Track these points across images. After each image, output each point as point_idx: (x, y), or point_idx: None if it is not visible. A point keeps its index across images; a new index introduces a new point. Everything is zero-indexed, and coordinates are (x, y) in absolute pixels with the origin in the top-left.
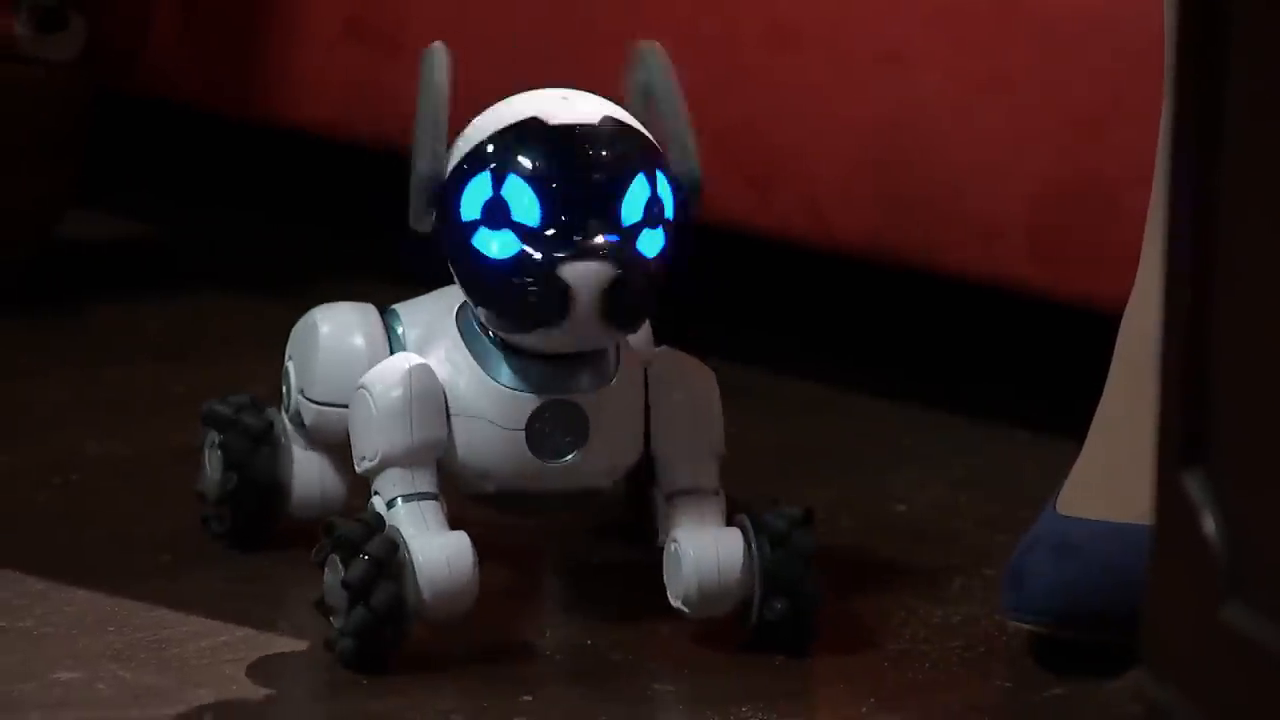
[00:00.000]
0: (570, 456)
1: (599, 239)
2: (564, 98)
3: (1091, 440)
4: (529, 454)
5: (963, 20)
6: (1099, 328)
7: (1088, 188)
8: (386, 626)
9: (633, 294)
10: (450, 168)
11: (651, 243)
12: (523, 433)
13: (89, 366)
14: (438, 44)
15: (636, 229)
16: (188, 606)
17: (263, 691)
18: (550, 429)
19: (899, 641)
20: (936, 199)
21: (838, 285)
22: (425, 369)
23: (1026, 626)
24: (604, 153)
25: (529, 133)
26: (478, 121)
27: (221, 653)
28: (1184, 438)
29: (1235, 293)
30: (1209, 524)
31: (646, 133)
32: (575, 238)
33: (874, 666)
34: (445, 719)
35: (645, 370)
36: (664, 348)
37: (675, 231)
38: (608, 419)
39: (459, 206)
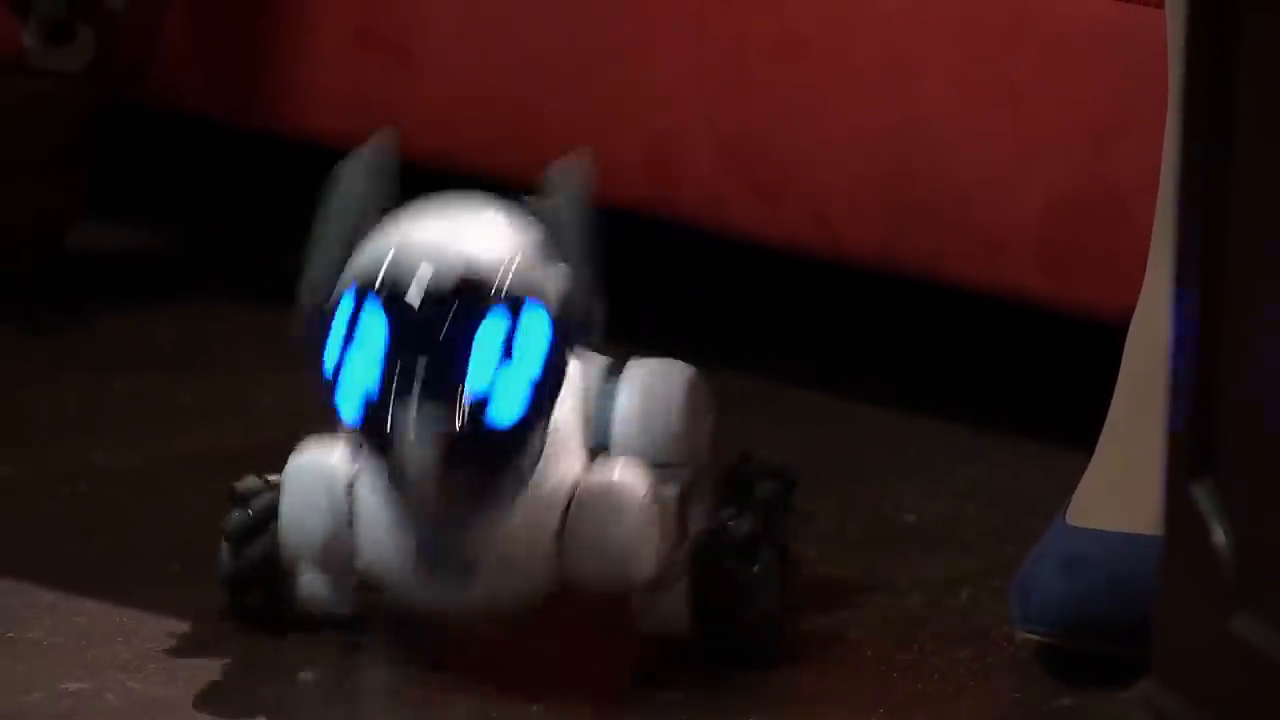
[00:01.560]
0: (463, 587)
1: (437, 416)
2: (428, 256)
3: (1101, 450)
4: (423, 576)
5: (971, 30)
6: (1107, 338)
7: (1096, 199)
8: (257, 580)
9: (472, 475)
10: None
11: (508, 407)
12: (413, 555)
13: (98, 375)
14: (365, 149)
15: (485, 400)
16: (197, 617)
17: (273, 702)
18: (440, 559)
19: (908, 652)
20: (944, 209)
21: (845, 295)
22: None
23: (1035, 637)
24: (446, 330)
25: (377, 300)
26: (360, 255)
27: (231, 664)
28: (1193, 448)
29: (1244, 303)
30: (1218, 534)
31: (519, 279)
32: (408, 420)
33: (883, 677)
34: None
35: (573, 491)
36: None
37: (546, 378)
38: (505, 551)
39: (324, 350)
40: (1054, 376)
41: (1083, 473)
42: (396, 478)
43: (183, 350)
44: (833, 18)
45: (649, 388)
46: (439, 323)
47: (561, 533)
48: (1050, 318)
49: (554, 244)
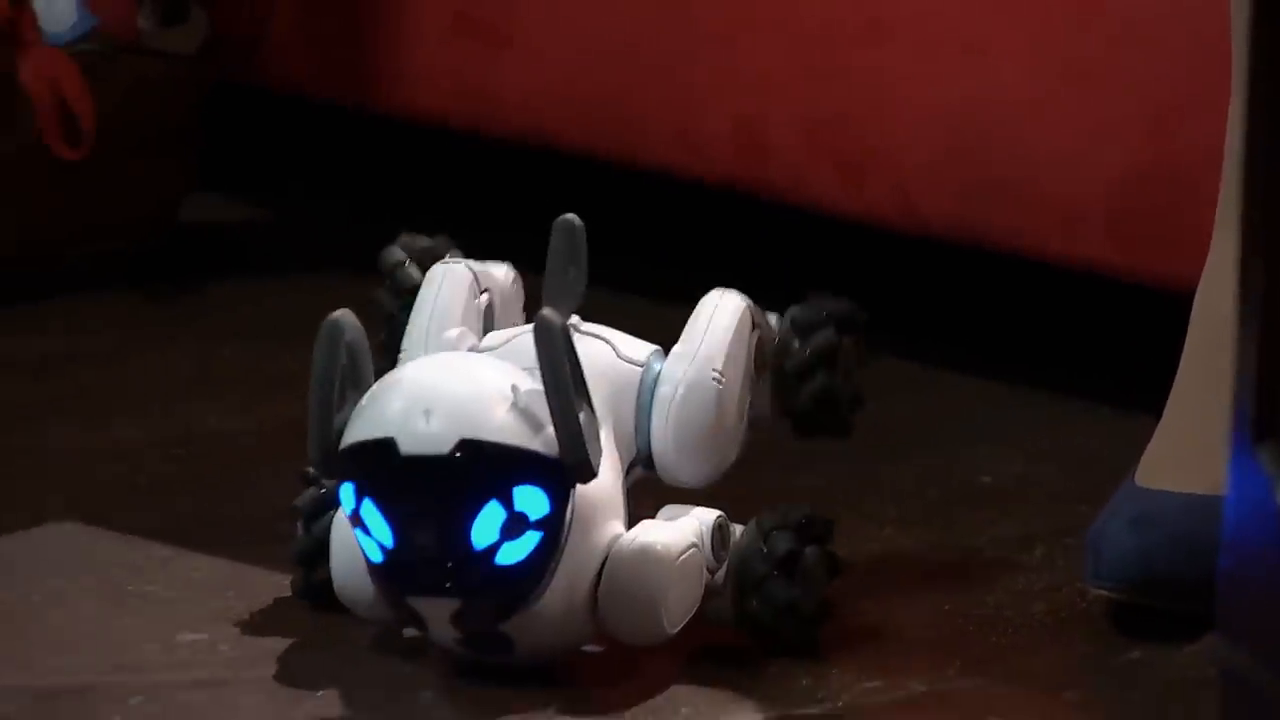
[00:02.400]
0: (503, 656)
1: (447, 567)
2: (426, 413)
3: (1168, 415)
4: (462, 649)
5: (1043, 14)
6: (1174, 308)
7: (1163, 173)
8: (325, 557)
9: (488, 614)
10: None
11: (515, 550)
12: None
13: (210, 343)
14: (336, 316)
15: (493, 547)
16: None
17: (379, 648)
18: (475, 647)
19: (983, 607)
20: (1018, 184)
21: (923, 267)
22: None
23: (1105, 593)
24: (450, 486)
25: (381, 457)
26: (366, 399)
27: (339, 615)
28: (1258, 413)
29: None
30: None
31: (513, 442)
32: (422, 568)
33: (960, 631)
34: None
35: (607, 552)
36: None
37: (552, 522)
38: (540, 624)
39: (339, 496)
40: (1123, 344)
41: (1151, 436)
42: (418, 624)
43: (290, 319)
44: (912, 4)
45: (682, 419)
46: (446, 482)
47: (596, 592)
48: (1120, 287)
49: (548, 386)
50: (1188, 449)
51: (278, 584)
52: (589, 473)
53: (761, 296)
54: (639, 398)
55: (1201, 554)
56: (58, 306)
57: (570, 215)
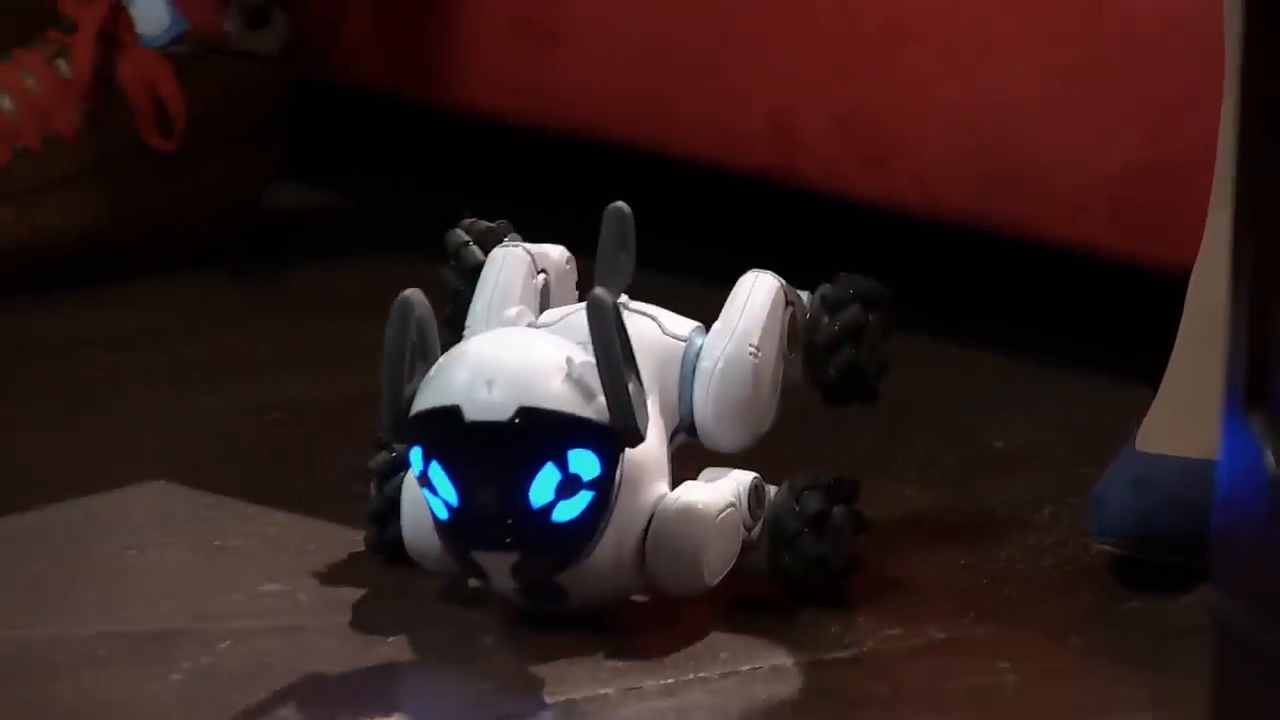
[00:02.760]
0: (557, 606)
1: (507, 523)
2: (489, 383)
3: (1166, 386)
4: (519, 598)
5: (1053, 17)
6: (1171, 288)
7: (1163, 165)
8: (397, 515)
9: (544, 566)
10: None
11: (570, 508)
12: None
13: (291, 320)
14: (406, 295)
15: (550, 506)
16: None
17: (444, 599)
18: (532, 597)
19: (996, 561)
20: (1030, 175)
21: (943, 251)
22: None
23: (1108, 549)
24: (510, 450)
25: (448, 424)
26: (433, 370)
27: (409, 568)
28: (1248, 383)
29: None
30: (1269, 459)
31: (567, 410)
32: (484, 525)
33: (975, 583)
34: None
35: (653, 511)
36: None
37: (603, 483)
38: (592, 576)
39: (409, 459)
40: (1124, 322)
41: (1149, 405)
42: (477, 576)
43: (365, 297)
44: (931, 7)
45: (721, 390)
46: (507, 446)
47: (643, 547)
48: (1121, 270)
49: (600, 359)
50: (1183, 416)
51: (352, 539)
52: (637, 438)
53: (793, 277)
54: (682, 370)
55: (1196, 513)
56: (151, 286)
57: (620, 203)
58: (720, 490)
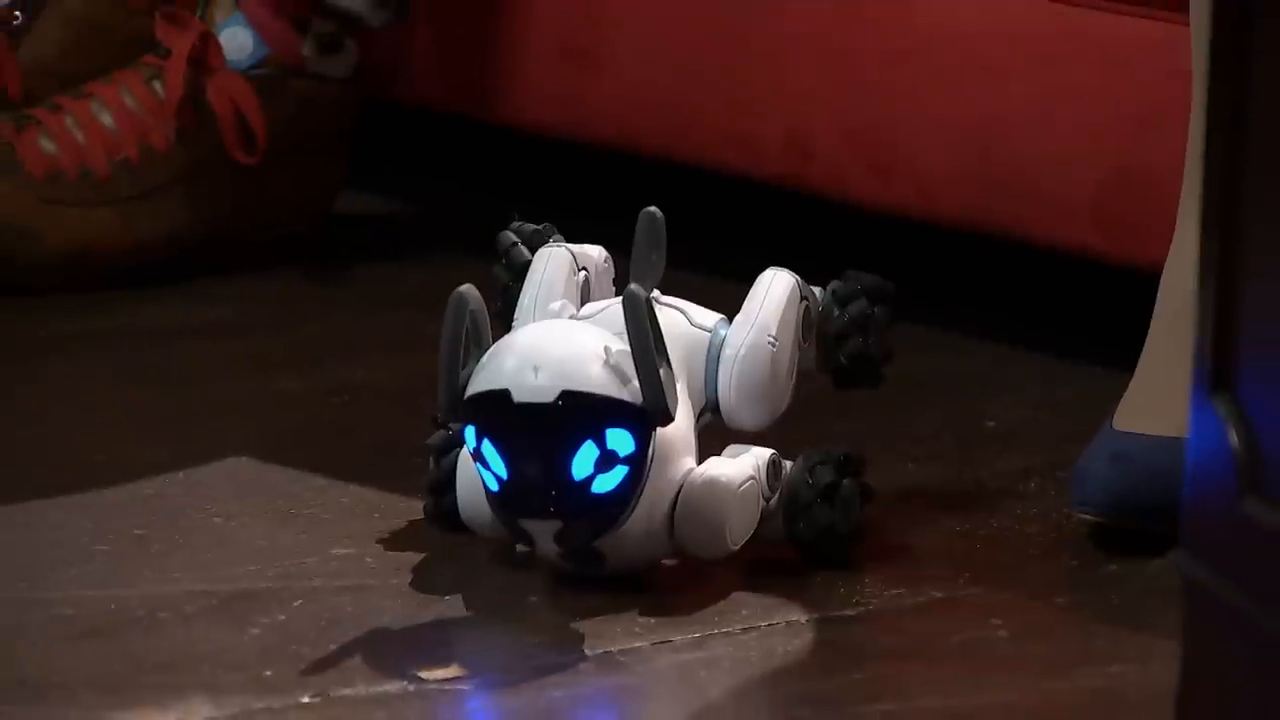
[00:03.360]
0: (595, 570)
1: (551, 494)
2: (535, 369)
3: (1140, 371)
4: (559, 560)
5: (1039, 42)
6: (1145, 283)
7: (1138, 174)
8: (451, 486)
9: (585, 533)
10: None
11: (607, 481)
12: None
13: (360, 313)
14: (461, 290)
15: (589, 479)
16: None
17: (495, 562)
18: (573, 561)
19: (988, 528)
20: (1019, 183)
21: (943, 251)
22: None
23: (1089, 517)
24: (554, 429)
25: (498, 406)
26: (485, 357)
27: (463, 535)
28: (1215, 368)
29: (1254, 254)
30: (1233, 436)
31: (605, 393)
32: (530, 496)
33: (969, 548)
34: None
35: (681, 482)
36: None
37: (637, 458)
38: (627, 541)
39: (464, 437)
40: (1104, 314)
41: (1126, 388)
42: (524, 541)
43: (426, 293)
44: (930, 33)
45: (742, 374)
46: (551, 424)
47: (673, 515)
48: (1102, 267)
49: (634, 347)
50: (1156, 398)
51: (413, 509)
52: (667, 418)
53: (807, 274)
54: (708, 357)
55: (1168, 486)
56: (233, 283)
57: (652, 208)
58: (741, 465)
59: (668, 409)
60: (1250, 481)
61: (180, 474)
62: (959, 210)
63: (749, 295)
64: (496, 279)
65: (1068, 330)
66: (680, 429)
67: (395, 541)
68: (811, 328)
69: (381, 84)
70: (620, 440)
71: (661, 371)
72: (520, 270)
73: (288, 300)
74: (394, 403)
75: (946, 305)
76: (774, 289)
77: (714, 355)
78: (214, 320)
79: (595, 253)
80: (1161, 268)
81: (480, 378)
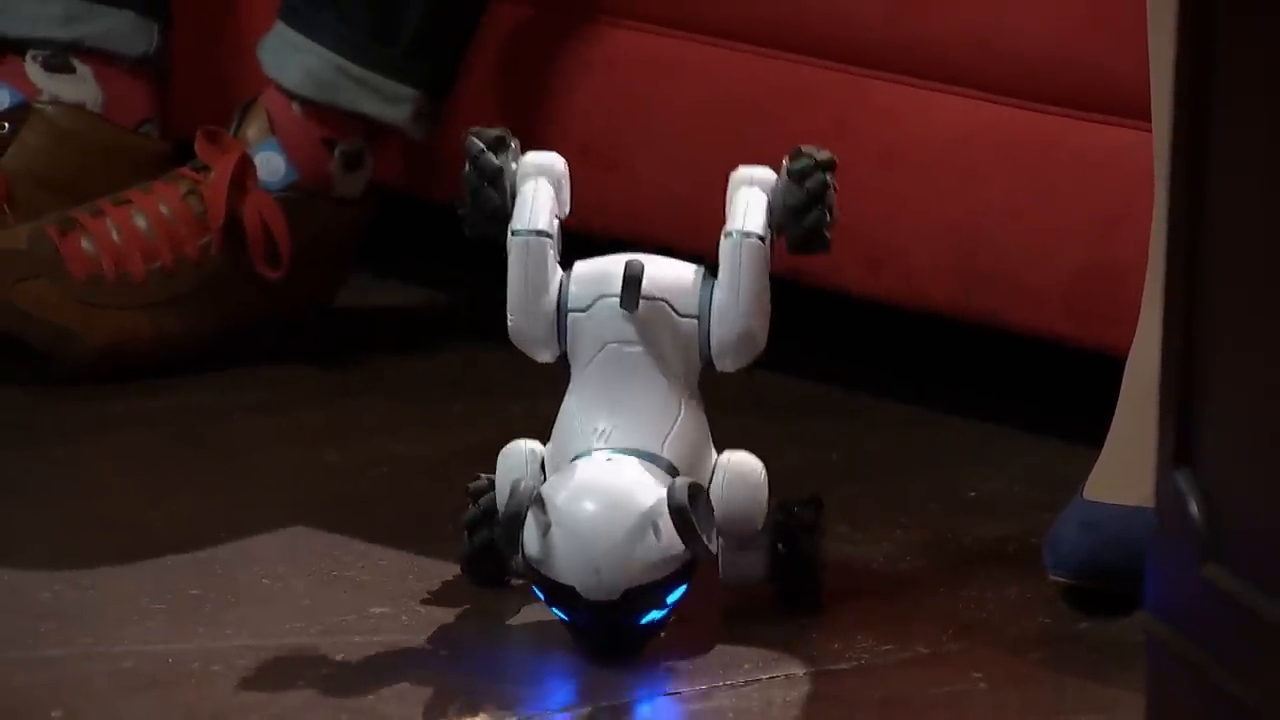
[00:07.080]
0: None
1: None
2: (596, 571)
3: (1108, 446)
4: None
5: (1016, 148)
6: (1112, 367)
7: (1106, 267)
8: (485, 556)
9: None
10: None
11: (660, 613)
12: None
13: (393, 394)
14: (512, 446)
15: (648, 624)
16: None
17: (522, 621)
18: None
19: (970, 589)
20: (999, 275)
21: (929, 337)
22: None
23: (1061, 580)
24: (623, 618)
25: (568, 597)
26: (548, 512)
27: (494, 594)
28: (1177, 444)
29: (1214, 339)
30: (1194, 507)
31: (665, 573)
32: (599, 646)
33: (951, 607)
34: None
35: (714, 468)
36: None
37: (686, 585)
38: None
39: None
40: (1075, 394)
41: (1095, 461)
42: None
43: (453, 376)
44: (918, 139)
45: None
46: (614, 620)
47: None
48: (1073, 352)
49: (682, 536)
50: (1124, 471)
51: (447, 571)
52: (709, 555)
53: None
54: (699, 308)
55: (1134, 551)
56: (260, 370)
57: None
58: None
59: (709, 549)
60: (1210, 549)
61: (232, 539)
62: (943, 300)
63: (730, 201)
64: (466, 183)
65: (1043, 409)
66: (701, 434)
67: (430, 601)
68: (781, 215)
69: (406, 184)
70: (677, 592)
71: (698, 523)
72: (491, 175)
73: (321, 380)
74: (427, 474)
75: (932, 386)
76: (752, 198)
77: (706, 305)
78: (254, 400)
79: (560, 165)
80: (1127, 352)
81: (548, 561)
